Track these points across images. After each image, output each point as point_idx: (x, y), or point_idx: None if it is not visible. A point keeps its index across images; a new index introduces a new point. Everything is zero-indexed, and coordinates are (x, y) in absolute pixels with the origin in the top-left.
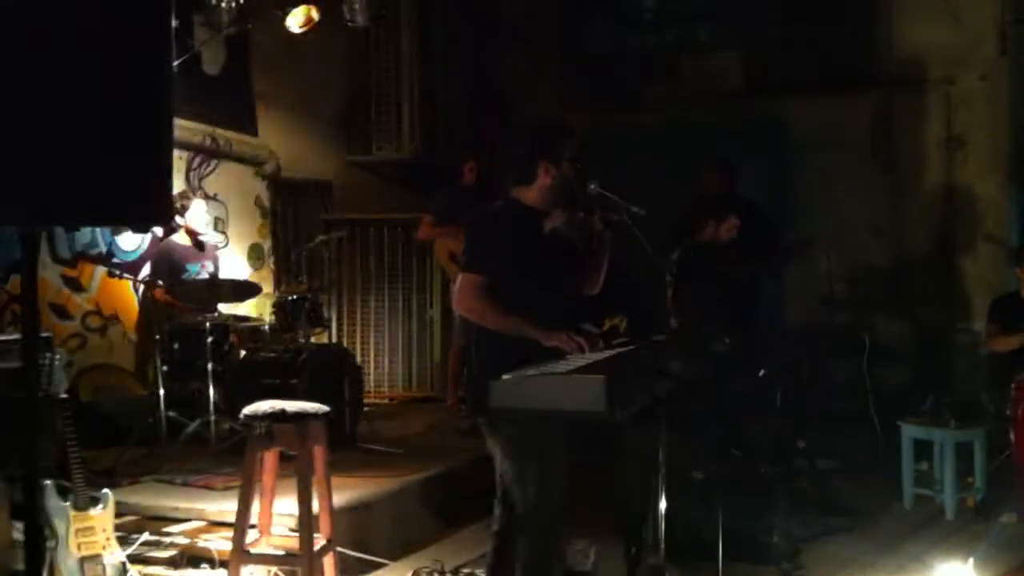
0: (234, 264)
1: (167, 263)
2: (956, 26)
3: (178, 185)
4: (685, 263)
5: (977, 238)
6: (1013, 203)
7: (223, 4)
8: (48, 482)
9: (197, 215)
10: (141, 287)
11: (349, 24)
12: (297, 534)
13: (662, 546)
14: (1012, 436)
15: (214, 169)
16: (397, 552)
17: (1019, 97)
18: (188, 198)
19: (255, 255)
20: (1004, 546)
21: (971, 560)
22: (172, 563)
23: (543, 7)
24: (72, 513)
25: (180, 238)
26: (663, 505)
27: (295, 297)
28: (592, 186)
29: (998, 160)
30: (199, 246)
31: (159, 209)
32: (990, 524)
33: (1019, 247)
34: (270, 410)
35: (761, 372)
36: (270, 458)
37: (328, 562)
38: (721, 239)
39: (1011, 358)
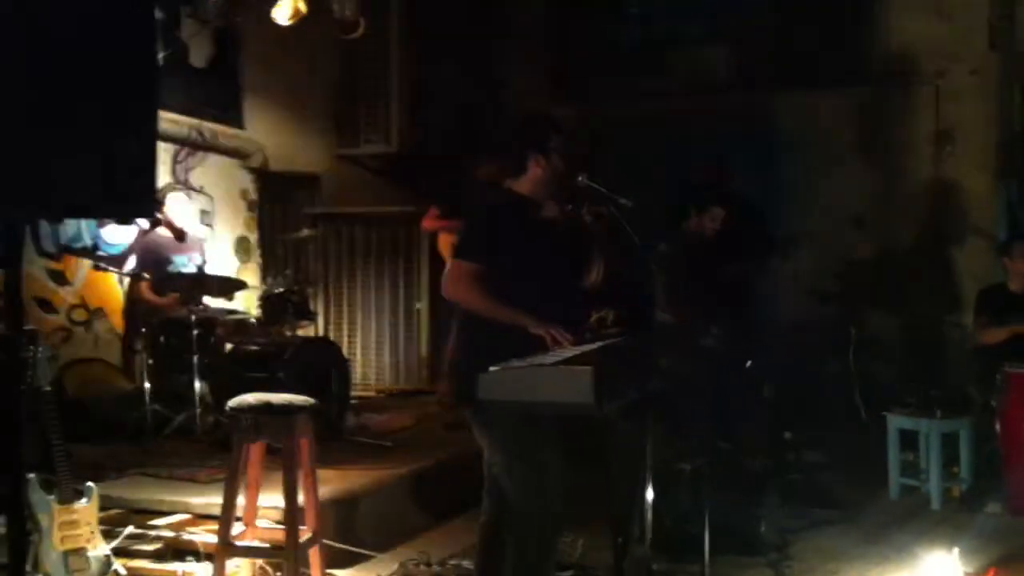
0: (221, 257)
1: (152, 257)
2: (945, 20)
3: (164, 178)
4: (674, 256)
5: (966, 232)
6: (1001, 197)
7: None
8: (32, 476)
9: (176, 207)
10: (127, 281)
11: (338, 18)
12: (283, 527)
13: (649, 538)
14: (998, 426)
15: (201, 162)
16: (384, 545)
17: (1008, 91)
18: (164, 191)
19: (242, 248)
20: (989, 536)
21: (956, 550)
22: (157, 556)
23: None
24: (56, 507)
25: (163, 231)
26: (650, 497)
27: (282, 290)
28: (580, 178)
29: (987, 154)
30: (180, 238)
31: (144, 201)
32: (975, 514)
33: (1008, 239)
34: (256, 403)
35: (748, 364)
36: (256, 451)
37: (314, 555)
38: (705, 230)
39: (999, 349)
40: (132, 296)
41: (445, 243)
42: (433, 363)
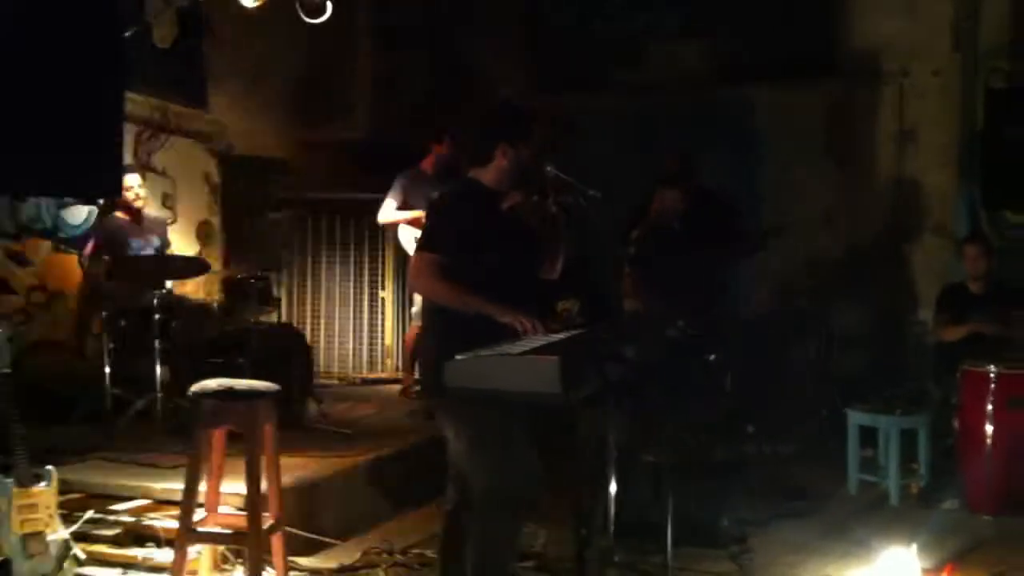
0: (182, 241)
1: (111, 240)
2: (910, 20)
3: (126, 159)
4: (642, 247)
5: (926, 229)
6: (963, 196)
7: None
8: None
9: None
10: (87, 262)
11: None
12: (245, 513)
13: (611, 529)
14: (956, 423)
15: (163, 144)
16: (346, 533)
17: (970, 92)
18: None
19: (204, 232)
20: (947, 532)
21: (914, 546)
22: (117, 541)
23: None
24: (15, 490)
25: (120, 214)
26: (613, 488)
27: (245, 276)
28: (548, 168)
29: (948, 153)
30: (136, 220)
31: (108, 181)
32: (933, 510)
33: (966, 238)
34: (218, 388)
35: (711, 357)
36: (218, 436)
37: (276, 541)
38: (665, 214)
39: (957, 347)
40: (92, 278)
41: (408, 239)
42: (397, 351)
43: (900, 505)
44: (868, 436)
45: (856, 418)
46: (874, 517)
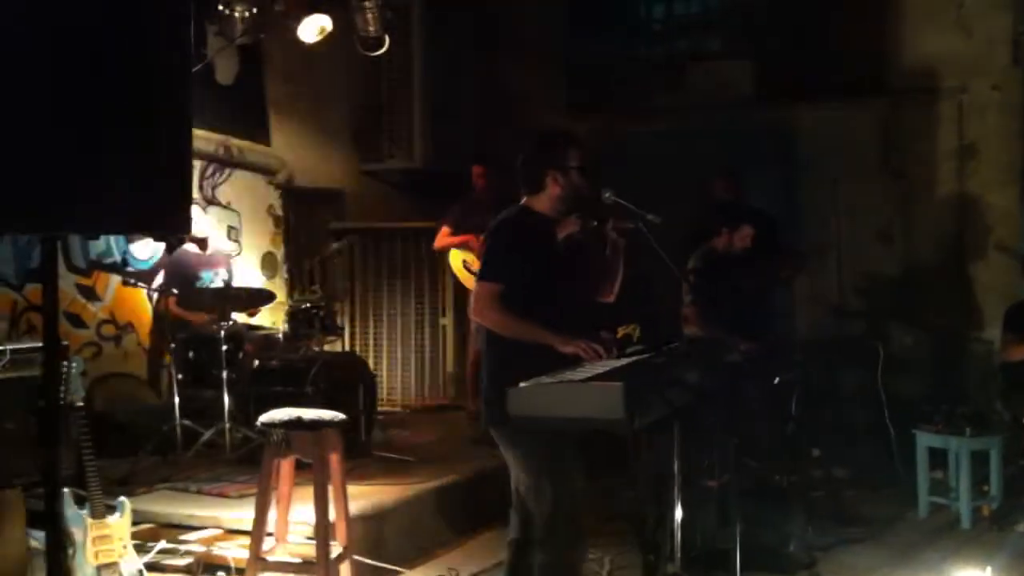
0: (247, 273)
1: (179, 274)
2: (968, 35)
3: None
4: (702, 272)
5: (989, 247)
6: None
7: (236, 14)
8: (66, 490)
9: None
10: (155, 296)
11: (362, 35)
12: (313, 542)
13: (678, 555)
14: None
15: (227, 178)
16: (412, 560)
17: None
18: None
19: (268, 264)
20: (1021, 555)
21: (989, 569)
22: (188, 571)
23: (552, 16)
24: (89, 521)
25: (189, 246)
26: (679, 514)
27: (308, 305)
28: (607, 194)
29: (1012, 170)
30: (203, 247)
31: (178, 217)
32: (1007, 533)
33: None
34: (287, 418)
35: (776, 380)
36: (286, 466)
37: (344, 570)
38: (735, 248)
39: None
40: (160, 311)
41: (456, 260)
42: (459, 378)
43: (972, 528)
44: (936, 457)
45: (925, 440)
46: (945, 540)
